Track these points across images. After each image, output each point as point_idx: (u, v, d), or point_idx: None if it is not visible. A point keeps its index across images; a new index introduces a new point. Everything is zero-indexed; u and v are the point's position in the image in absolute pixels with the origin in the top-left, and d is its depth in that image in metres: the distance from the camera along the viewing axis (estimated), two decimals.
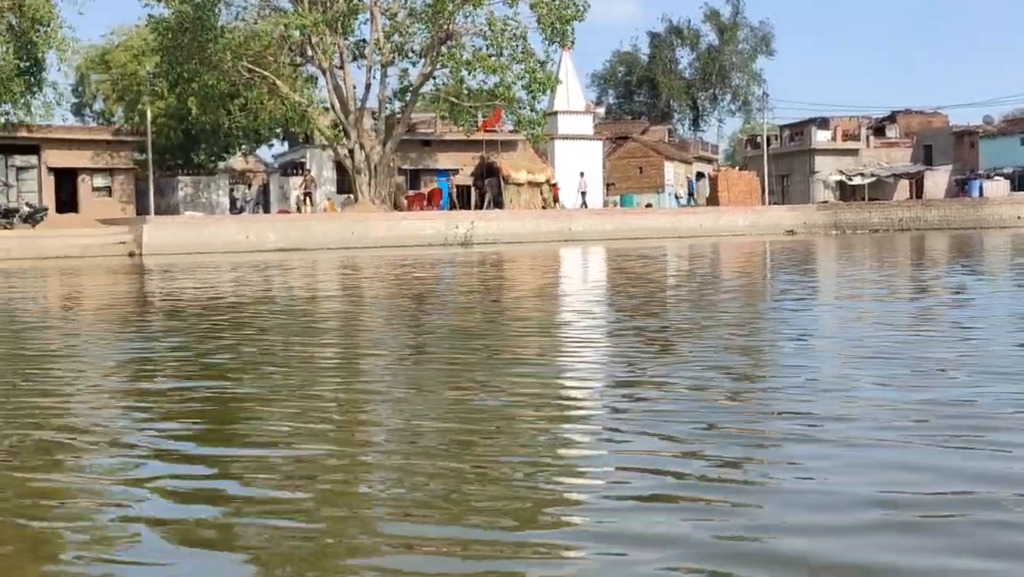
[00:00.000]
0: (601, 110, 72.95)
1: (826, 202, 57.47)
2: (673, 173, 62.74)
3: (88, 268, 28.05)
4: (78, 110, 63.64)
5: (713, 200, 53.52)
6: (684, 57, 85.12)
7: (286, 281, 21.53)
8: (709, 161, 69.38)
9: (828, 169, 63.21)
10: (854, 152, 63.93)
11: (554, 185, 48.68)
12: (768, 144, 62.19)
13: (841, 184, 62.65)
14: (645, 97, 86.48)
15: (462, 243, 39.64)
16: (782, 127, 70.75)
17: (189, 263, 28.99)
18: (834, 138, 64.35)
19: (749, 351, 7.69)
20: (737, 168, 66.86)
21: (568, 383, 6.46)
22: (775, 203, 58.77)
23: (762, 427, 4.83)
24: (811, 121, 66.67)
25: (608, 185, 59.42)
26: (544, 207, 47.02)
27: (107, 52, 54.70)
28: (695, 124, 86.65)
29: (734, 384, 6.14)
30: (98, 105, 61.94)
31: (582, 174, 49.58)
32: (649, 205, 54.48)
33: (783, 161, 65.54)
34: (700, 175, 64.55)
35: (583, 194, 49.26)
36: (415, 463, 4.37)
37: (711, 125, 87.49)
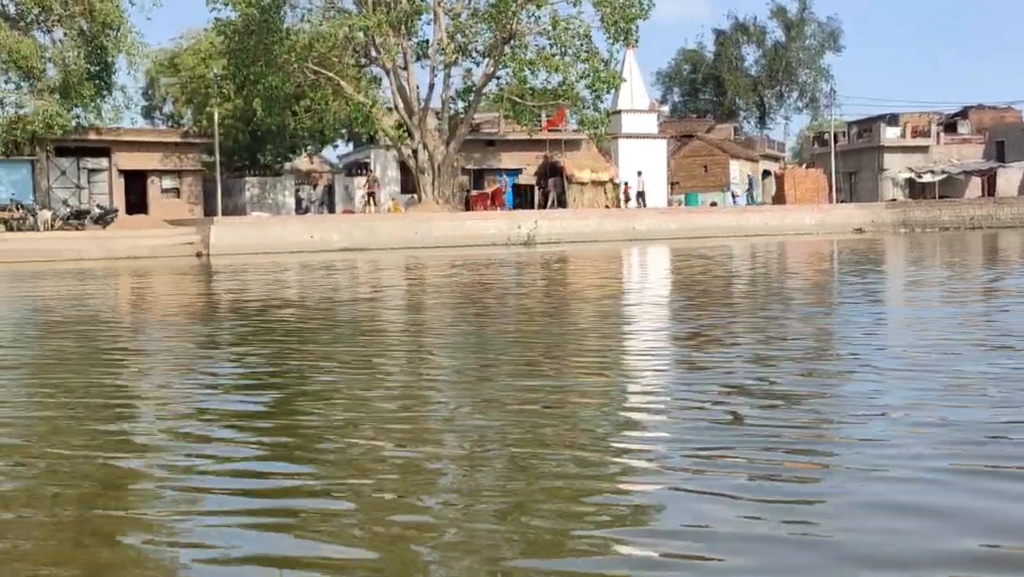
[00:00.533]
0: (666, 108, 72.49)
1: (895, 200, 56.52)
2: (739, 171, 62.11)
3: (158, 268, 28.47)
4: (148, 113, 64.68)
5: (779, 198, 52.92)
6: (750, 54, 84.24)
7: (356, 281, 21.66)
8: (776, 159, 68.57)
9: (897, 166, 62.13)
10: (924, 149, 62.76)
11: (625, 184, 48.50)
12: (835, 141, 61.32)
13: (910, 182, 61.57)
14: (711, 95, 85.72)
15: (525, 243, 39.61)
16: (850, 124, 69.71)
17: (256, 263, 29.30)
18: (903, 135, 63.19)
19: (826, 375, 6.90)
20: (804, 166, 66.04)
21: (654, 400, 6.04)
22: (842, 201, 57.96)
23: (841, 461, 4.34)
24: (880, 118, 65.59)
25: (673, 184, 58.98)
26: (608, 206, 46.83)
27: (176, 55, 55.55)
28: (761, 122, 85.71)
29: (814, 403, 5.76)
30: (167, 108, 62.91)
31: (639, 173, 49.24)
32: (714, 204, 53.99)
33: (851, 158, 64.58)
34: (766, 173, 63.83)
35: (640, 194, 48.91)
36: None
37: (777, 123, 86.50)
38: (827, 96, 69.63)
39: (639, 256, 30.03)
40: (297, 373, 7.53)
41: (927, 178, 60.50)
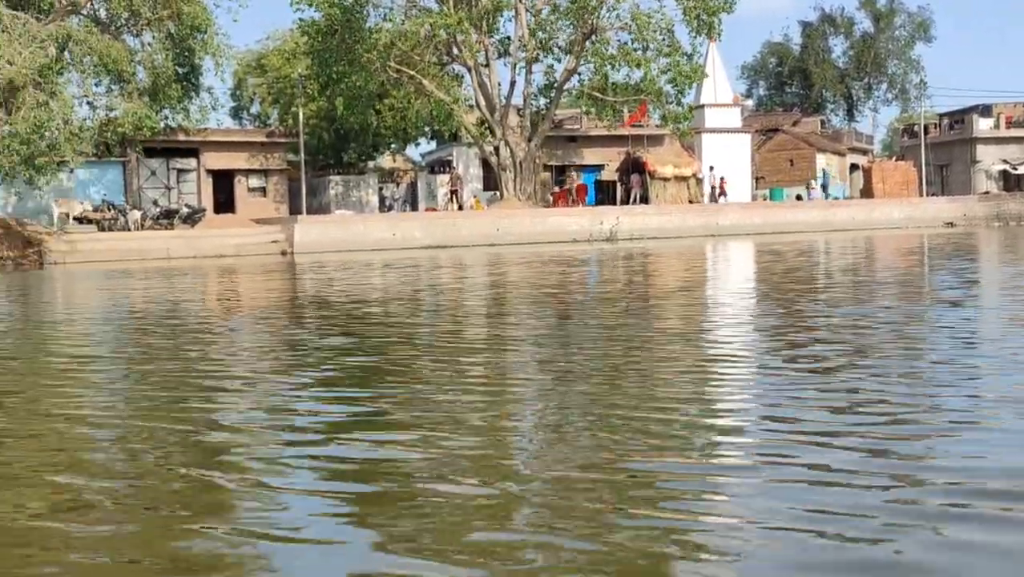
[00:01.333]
0: (750, 102, 71.56)
1: (988, 193, 55.02)
2: (825, 165, 61.08)
3: (244, 266, 28.93)
4: (236, 113, 65.60)
5: (867, 192, 51.92)
6: (837, 46, 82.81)
7: (440, 277, 21.75)
8: (864, 152, 67.23)
9: (990, 158, 60.44)
10: (1019, 140, 60.95)
11: (721, 180, 47.89)
12: (926, 133, 59.90)
13: (1004, 174, 59.83)
14: (797, 88, 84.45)
15: (607, 239, 39.45)
16: (941, 115, 68.03)
17: (339, 260, 29.65)
18: (997, 126, 61.44)
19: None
20: (894, 159, 64.68)
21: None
22: (933, 194, 56.60)
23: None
24: (972, 108, 63.87)
25: (758, 178, 58.18)
26: (691, 201, 46.40)
27: (263, 56, 56.38)
28: (849, 115, 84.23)
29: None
30: (255, 108, 63.81)
31: (711, 168, 48.53)
32: (799, 198, 53.14)
33: (942, 151, 63.01)
34: (854, 167, 62.65)
35: (713, 189, 48.15)
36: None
37: (865, 115, 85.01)
38: (917, 87, 68.07)
39: (722, 252, 29.70)
40: (387, 359, 7.59)
41: (1022, 170, 58.78)
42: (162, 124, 38.68)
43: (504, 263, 26.00)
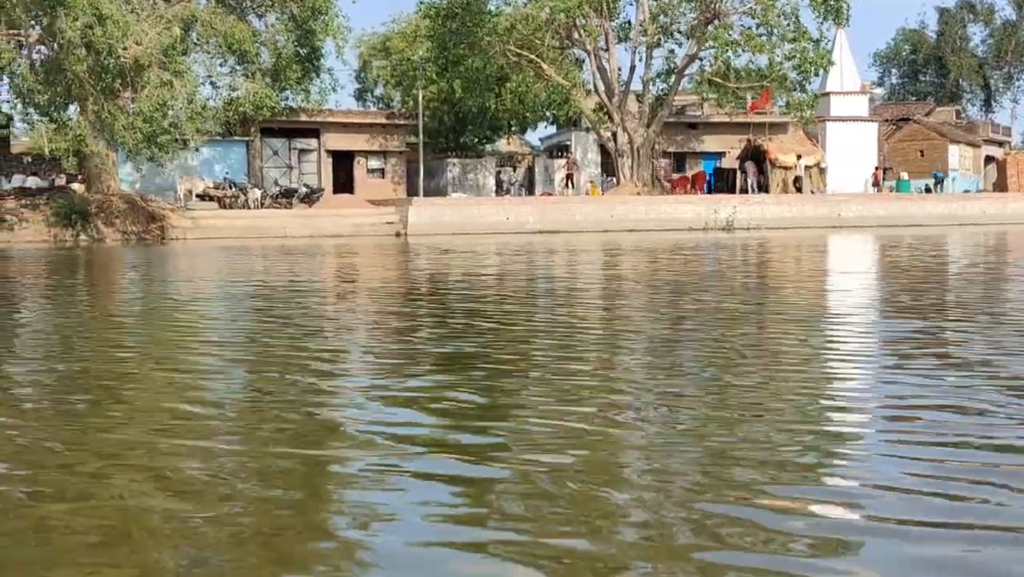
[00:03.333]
0: (879, 91, 69.48)
1: None
2: (959, 156, 58.92)
3: (357, 246, 29.28)
4: (360, 95, 66.47)
5: (1001, 186, 49.89)
6: (976, 34, 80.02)
7: (545, 266, 21.63)
8: (1000, 144, 64.64)
9: None
10: None
11: (883, 169, 46.49)
12: None
13: None
14: (932, 77, 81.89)
15: (724, 228, 38.74)
16: None
17: (452, 243, 29.78)
18: None
19: None
20: None
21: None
22: None
23: None
24: None
25: (886, 169, 56.45)
26: (812, 191, 45.27)
27: (387, 39, 56.96)
28: (987, 105, 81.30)
29: None
30: (379, 90, 64.53)
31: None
32: (928, 190, 51.39)
33: None
34: (989, 159, 60.32)
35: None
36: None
37: (1004, 106, 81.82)
38: None
39: (841, 244, 28.88)
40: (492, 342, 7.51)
41: None
42: (282, 104, 39.33)
43: (613, 251, 25.72)
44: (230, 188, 39.72)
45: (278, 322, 9.99)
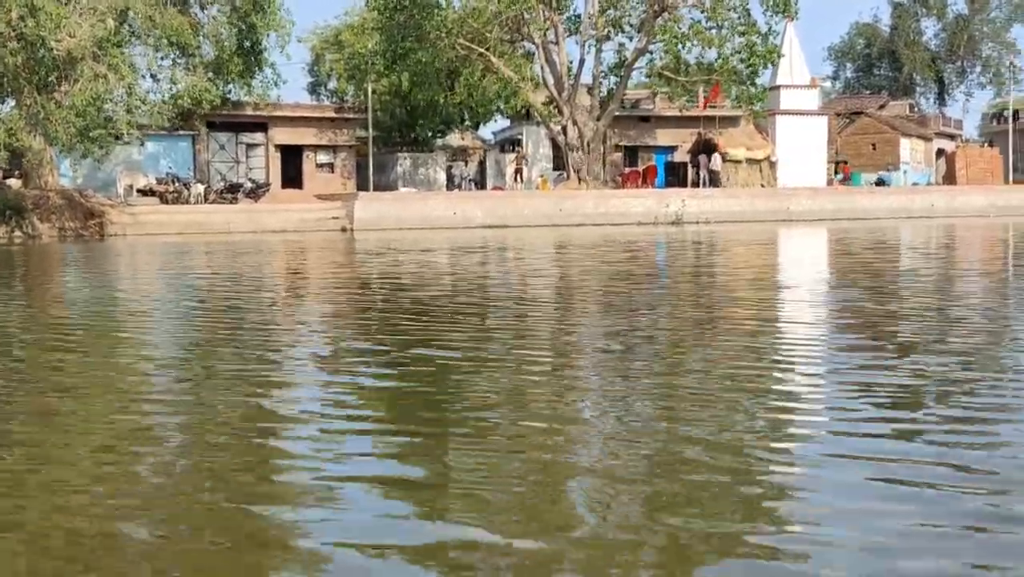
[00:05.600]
0: (828, 84, 69.74)
1: None
2: (910, 150, 59.21)
3: (299, 242, 28.89)
4: (314, 89, 65.90)
5: (950, 179, 50.17)
6: (929, 28, 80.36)
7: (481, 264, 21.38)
8: (952, 137, 65.00)
9: None
10: None
11: (843, 163, 46.61)
12: (1015, 119, 57.66)
13: None
14: (886, 70, 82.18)
15: (673, 222, 38.63)
16: None
17: (397, 238, 29.46)
18: None
19: None
20: (983, 144, 62.49)
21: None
22: (1022, 182, 54.51)
23: None
24: None
25: (837, 164, 56.63)
26: (763, 185, 45.26)
27: (340, 32, 56.39)
28: (940, 99, 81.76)
29: None
30: (332, 84, 63.99)
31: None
32: (881, 183, 51.59)
33: None
34: (940, 152, 60.68)
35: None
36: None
37: (957, 100, 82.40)
38: (1009, 70, 65.64)
39: (786, 239, 28.85)
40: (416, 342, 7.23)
41: None
42: (222, 98, 38.75)
43: (541, 249, 25.52)
44: (173, 183, 39.13)
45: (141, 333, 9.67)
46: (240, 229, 34.83)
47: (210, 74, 37.28)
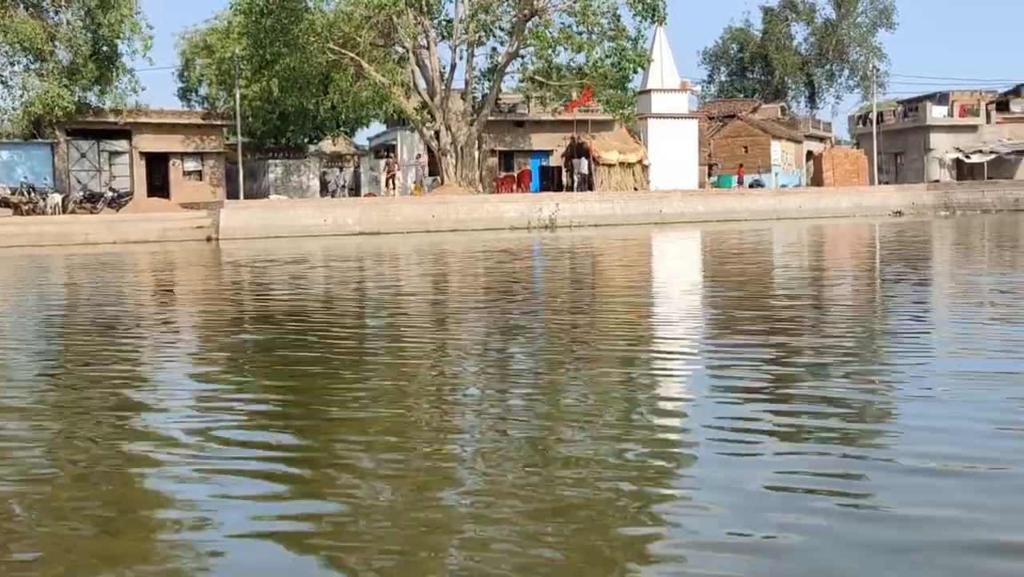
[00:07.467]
0: (702, 88, 70.85)
1: (937, 181, 54.52)
2: (781, 152, 60.44)
3: (158, 253, 27.98)
4: (184, 95, 64.39)
5: (817, 180, 51.29)
6: (799, 32, 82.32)
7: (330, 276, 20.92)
8: (821, 139, 66.64)
9: (945, 147, 59.90)
10: (973, 128, 60.38)
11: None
12: (880, 121, 59.31)
13: (958, 162, 59.33)
14: (759, 74, 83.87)
15: (546, 226, 38.61)
16: (900, 103, 67.60)
17: (264, 248, 28.74)
18: (951, 114, 60.87)
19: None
20: (853, 146, 64.14)
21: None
22: (886, 183, 56.12)
23: None
24: (929, 96, 63.33)
25: (711, 166, 57.47)
26: (636, 189, 45.58)
27: (208, 37, 55.11)
28: (811, 101, 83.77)
29: None
30: (203, 90, 62.58)
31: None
32: (752, 185, 52.48)
33: (897, 139, 62.42)
34: (810, 154, 62.11)
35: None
36: None
37: (827, 102, 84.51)
38: (871, 74, 67.61)
39: (652, 243, 28.98)
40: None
41: (976, 158, 58.23)
42: (76, 105, 37.39)
43: (398, 257, 25.17)
44: (27, 193, 37.63)
45: None
46: (99, 240, 33.65)
47: (65, 80, 35.87)
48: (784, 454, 4.54)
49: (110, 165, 43.97)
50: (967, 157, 58.40)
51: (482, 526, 3.63)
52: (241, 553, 3.47)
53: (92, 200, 38.47)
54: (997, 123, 60.99)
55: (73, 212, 37.40)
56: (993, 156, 57.77)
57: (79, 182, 42.37)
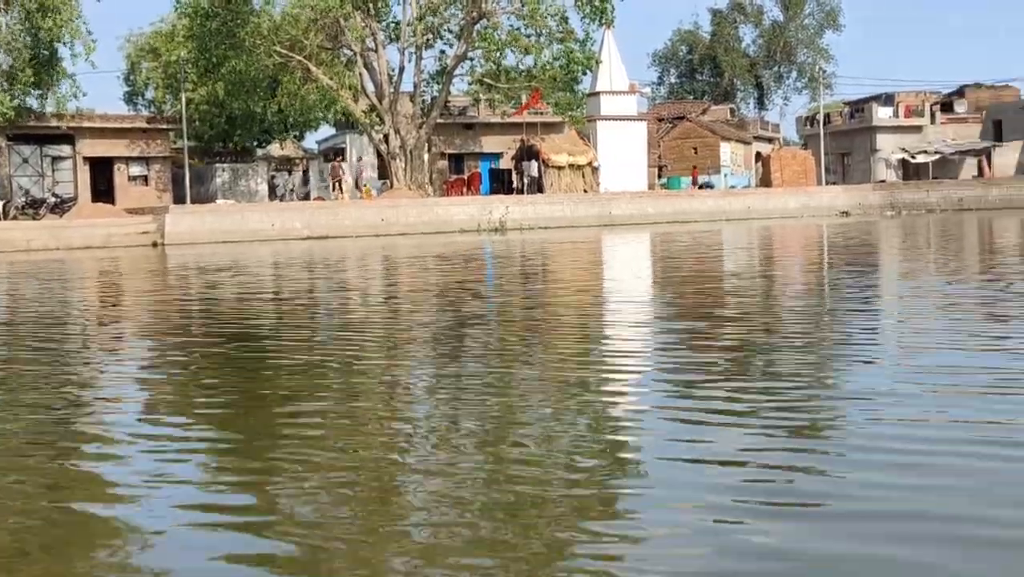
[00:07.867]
0: (651, 90, 71.17)
1: (883, 182, 55.13)
2: (730, 154, 60.84)
3: (99, 260, 27.57)
4: (131, 99, 63.59)
5: (766, 181, 51.64)
6: (747, 34, 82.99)
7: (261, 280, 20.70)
8: (770, 141, 67.18)
9: (890, 147, 60.60)
10: (918, 129, 61.15)
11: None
12: (828, 122, 59.87)
13: (904, 163, 60.05)
14: (708, 76, 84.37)
15: (496, 229, 38.52)
16: (847, 104, 68.34)
17: (210, 253, 28.42)
18: (896, 115, 61.61)
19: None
20: (801, 147, 64.68)
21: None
22: (833, 183, 56.63)
23: None
24: (875, 98, 64.07)
25: (661, 167, 57.63)
26: (586, 190, 45.63)
27: (153, 40, 54.45)
28: (760, 103, 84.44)
29: None
30: (150, 94, 61.84)
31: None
32: (703, 187, 52.73)
33: (844, 140, 63.06)
34: (759, 155, 62.57)
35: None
36: None
37: (776, 104, 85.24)
38: (818, 75, 68.30)
39: (598, 246, 29.00)
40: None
41: (921, 159, 58.94)
42: (15, 110, 36.74)
43: (342, 262, 24.99)
44: None
45: None
46: (41, 246, 33.13)
47: (4, 84, 35.25)
48: (741, 449, 4.57)
49: (53, 170, 43.33)
50: (912, 157, 59.11)
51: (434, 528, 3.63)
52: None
53: (35, 206, 37.87)
54: (941, 124, 61.81)
55: (15, 218, 36.76)
56: (938, 156, 58.49)
57: (21, 188, 41.69)
